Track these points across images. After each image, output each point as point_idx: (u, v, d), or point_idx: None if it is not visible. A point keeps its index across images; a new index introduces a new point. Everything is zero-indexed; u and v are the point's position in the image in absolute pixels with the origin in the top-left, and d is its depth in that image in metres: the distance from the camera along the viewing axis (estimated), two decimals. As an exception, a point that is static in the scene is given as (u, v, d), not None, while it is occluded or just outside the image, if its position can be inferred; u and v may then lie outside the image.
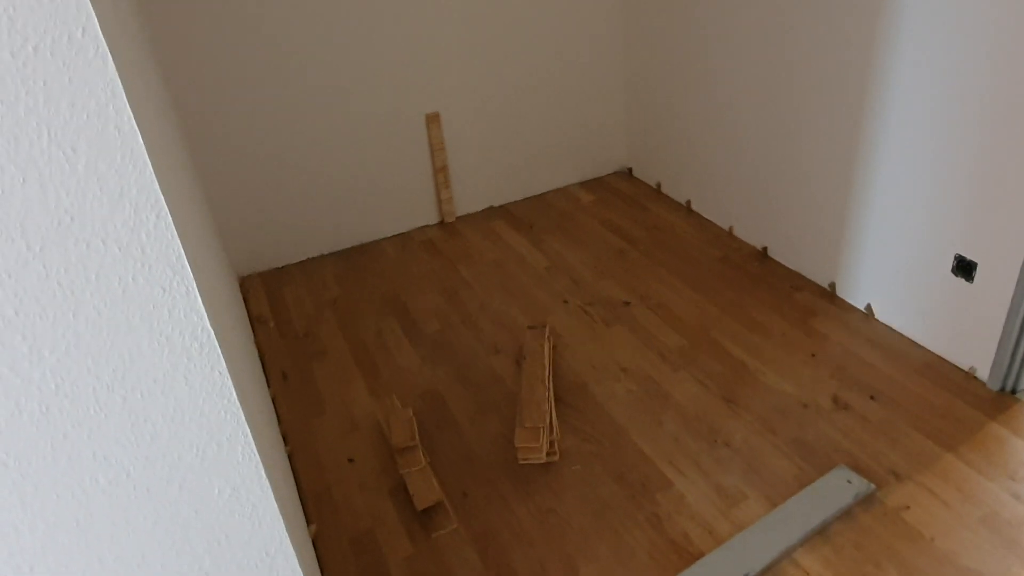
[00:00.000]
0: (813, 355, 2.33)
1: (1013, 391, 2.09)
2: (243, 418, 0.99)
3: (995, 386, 2.10)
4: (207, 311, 0.91)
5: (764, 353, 2.36)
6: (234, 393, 0.97)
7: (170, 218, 0.81)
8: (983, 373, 2.14)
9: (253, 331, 2.68)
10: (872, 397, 2.14)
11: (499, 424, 2.18)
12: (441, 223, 3.29)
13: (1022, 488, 1.82)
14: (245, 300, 2.87)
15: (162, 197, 0.79)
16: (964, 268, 2.10)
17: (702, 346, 2.41)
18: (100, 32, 0.72)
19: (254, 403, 1.37)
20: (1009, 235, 1.95)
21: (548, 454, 2.02)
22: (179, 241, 0.84)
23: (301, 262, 3.08)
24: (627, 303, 2.66)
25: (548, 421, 2.06)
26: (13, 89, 0.72)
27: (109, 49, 0.73)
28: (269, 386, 2.42)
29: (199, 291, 0.89)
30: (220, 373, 0.95)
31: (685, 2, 2.85)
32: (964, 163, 2.01)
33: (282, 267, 3.06)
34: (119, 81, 0.74)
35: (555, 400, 2.22)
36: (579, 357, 2.42)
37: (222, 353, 0.95)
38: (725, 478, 1.94)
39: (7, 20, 0.68)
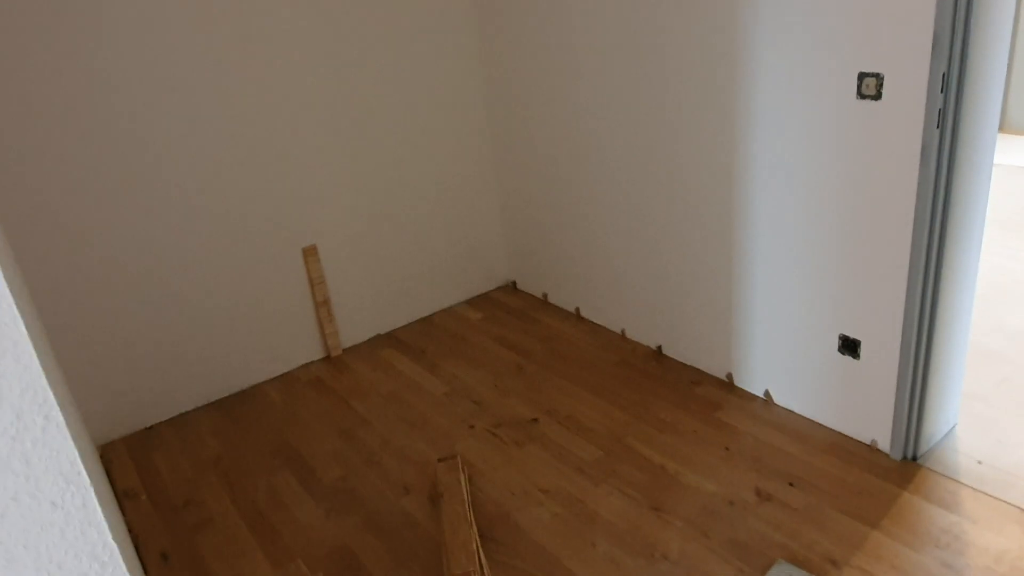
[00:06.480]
0: (727, 448, 2.33)
1: (915, 458, 2.18)
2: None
3: (897, 455, 2.18)
4: (107, 521, 0.74)
5: (680, 453, 2.34)
6: (144, 617, 0.79)
7: (61, 418, 0.66)
8: (884, 444, 2.22)
9: (121, 509, 2.34)
10: (791, 484, 2.16)
11: (422, 574, 1.99)
12: (327, 357, 3.10)
13: (948, 555, 1.86)
14: (108, 472, 2.52)
15: (51, 394, 0.64)
16: (849, 346, 2.21)
17: (618, 454, 2.36)
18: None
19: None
20: (885, 311, 2.09)
21: (482, 600, 1.86)
22: (72, 443, 0.68)
23: (172, 419, 2.77)
24: (535, 420, 2.58)
25: (478, 564, 1.90)
26: None
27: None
28: (147, 573, 2.09)
29: (97, 499, 0.73)
30: (127, 596, 0.77)
31: (549, 118, 2.97)
32: (833, 252, 2.15)
33: (150, 427, 2.74)
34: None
35: (479, 536, 2.06)
36: (496, 485, 2.29)
37: (128, 570, 0.77)
38: (670, 594, 1.85)
39: None
